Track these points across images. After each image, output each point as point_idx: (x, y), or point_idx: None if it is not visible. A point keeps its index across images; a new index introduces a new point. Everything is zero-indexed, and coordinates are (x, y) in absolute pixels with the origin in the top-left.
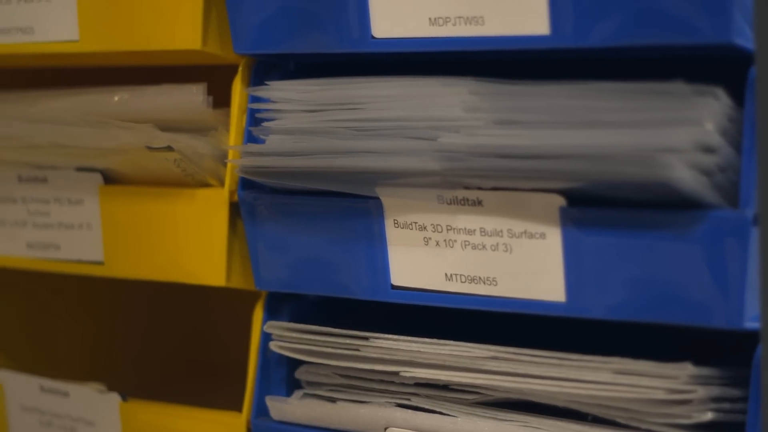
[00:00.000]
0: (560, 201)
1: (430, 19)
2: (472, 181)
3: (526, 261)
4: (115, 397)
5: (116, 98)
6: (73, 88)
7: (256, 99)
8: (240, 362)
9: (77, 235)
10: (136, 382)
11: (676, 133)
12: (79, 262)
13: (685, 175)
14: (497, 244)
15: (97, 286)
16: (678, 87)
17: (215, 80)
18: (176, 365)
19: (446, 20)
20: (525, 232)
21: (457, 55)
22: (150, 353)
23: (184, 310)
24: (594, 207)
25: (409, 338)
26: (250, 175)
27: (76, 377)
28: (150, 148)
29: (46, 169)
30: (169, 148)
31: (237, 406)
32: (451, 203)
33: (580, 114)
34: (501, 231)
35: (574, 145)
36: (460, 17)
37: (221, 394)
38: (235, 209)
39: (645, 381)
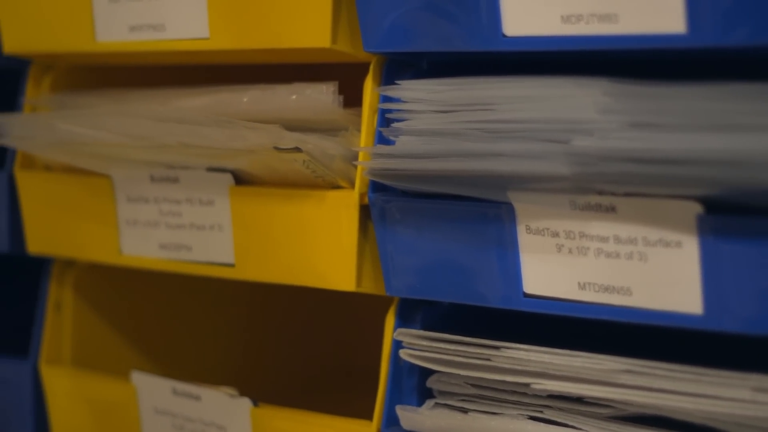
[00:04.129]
0: (697, 208)
1: (562, 16)
2: (604, 187)
3: (662, 270)
4: (246, 402)
5: (246, 98)
6: (204, 86)
7: (387, 99)
8: (376, 369)
9: (208, 236)
10: (269, 387)
11: None
12: (211, 263)
13: None
14: (632, 253)
15: (232, 288)
16: None
17: (346, 78)
18: (312, 371)
19: (579, 18)
20: (660, 240)
21: (589, 54)
22: (286, 358)
23: (321, 315)
24: (734, 215)
25: (541, 349)
26: (379, 178)
27: (210, 380)
28: (278, 149)
29: (177, 169)
30: (297, 149)
31: (371, 415)
32: (583, 209)
33: (719, 117)
34: (635, 239)
35: (712, 149)
36: (593, 15)
37: (357, 402)
38: (366, 212)
39: None
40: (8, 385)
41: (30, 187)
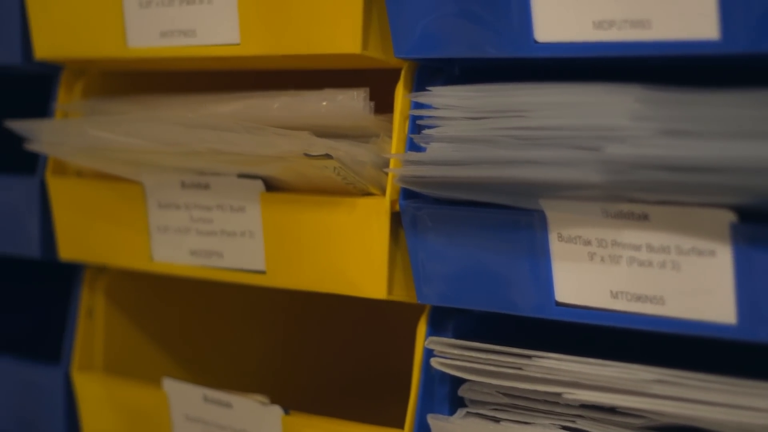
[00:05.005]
0: (731, 217)
1: (594, 22)
2: (637, 195)
3: (695, 280)
4: (277, 410)
5: (276, 104)
6: (234, 92)
7: (418, 105)
8: (409, 376)
9: (239, 242)
10: (302, 394)
11: None
12: (242, 270)
13: None
14: (664, 261)
15: (264, 295)
16: None
17: (377, 84)
18: (345, 378)
19: (611, 24)
20: (693, 248)
21: (621, 60)
22: (319, 365)
23: (355, 321)
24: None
25: (573, 358)
26: (409, 185)
27: (242, 387)
28: (308, 156)
29: (208, 175)
30: (328, 156)
31: (403, 422)
32: (616, 217)
33: (752, 124)
34: (668, 247)
35: (746, 157)
36: (625, 20)
37: (390, 409)
38: (397, 219)
39: None
40: (40, 390)
41: (61, 193)
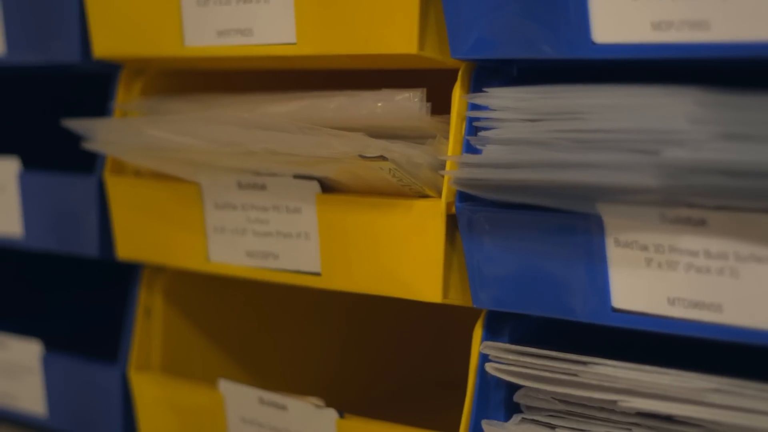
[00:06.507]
0: None
1: (652, 23)
2: (695, 200)
3: (754, 287)
4: (332, 413)
5: (333, 105)
6: (291, 92)
7: (475, 107)
8: (463, 382)
9: (295, 244)
10: (360, 397)
11: None
12: (297, 272)
13: None
14: (722, 268)
15: (320, 297)
16: None
17: (433, 83)
18: (403, 381)
19: (670, 25)
20: (752, 255)
21: (679, 62)
22: (377, 368)
23: (413, 324)
24: None
25: (629, 365)
26: (465, 188)
27: (299, 389)
28: (363, 157)
29: (264, 175)
30: (383, 158)
31: (458, 427)
32: (673, 222)
33: None
34: (726, 253)
35: None
36: (684, 21)
37: (447, 414)
38: (453, 222)
39: None
40: (98, 389)
41: (119, 192)
